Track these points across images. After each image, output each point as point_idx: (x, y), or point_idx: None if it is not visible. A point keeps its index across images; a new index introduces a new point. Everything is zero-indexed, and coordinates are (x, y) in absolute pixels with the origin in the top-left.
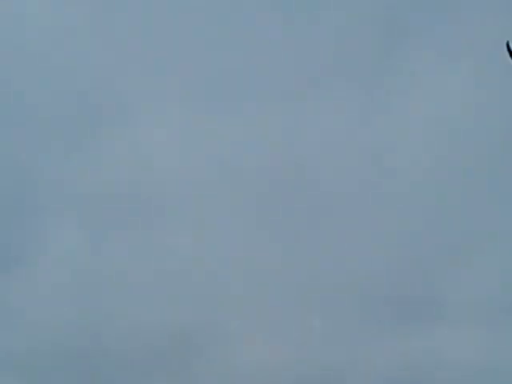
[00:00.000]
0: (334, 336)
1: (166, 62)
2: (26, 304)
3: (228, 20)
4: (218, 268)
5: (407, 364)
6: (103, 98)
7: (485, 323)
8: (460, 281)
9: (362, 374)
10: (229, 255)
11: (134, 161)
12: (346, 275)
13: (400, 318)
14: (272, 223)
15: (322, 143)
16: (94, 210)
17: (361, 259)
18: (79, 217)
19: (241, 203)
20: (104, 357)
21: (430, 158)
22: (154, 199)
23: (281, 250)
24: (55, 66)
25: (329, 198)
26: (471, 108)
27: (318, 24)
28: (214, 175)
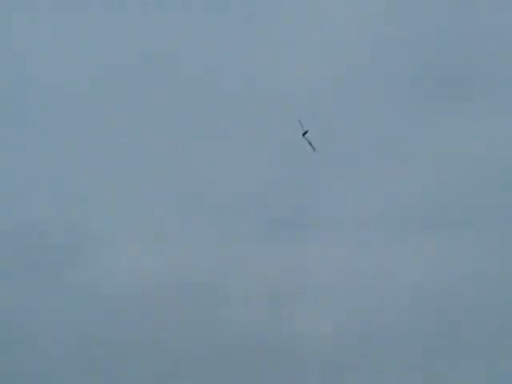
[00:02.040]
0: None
1: None
2: None
3: None
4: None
5: (277, 280)
6: None
7: (352, 244)
8: (331, 203)
9: (234, 284)
10: None
11: None
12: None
13: (273, 236)
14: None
15: None
16: None
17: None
18: None
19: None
20: None
21: None
22: None
23: None
24: None
25: None
26: None
27: None
28: None
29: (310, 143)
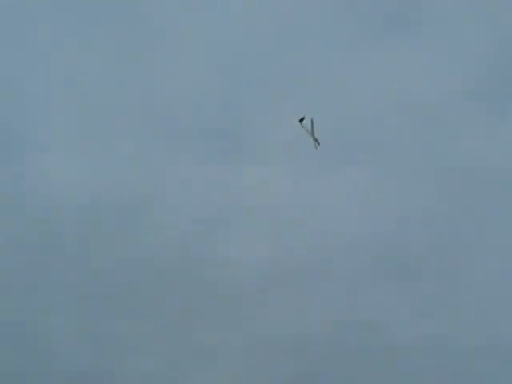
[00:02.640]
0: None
1: None
2: None
3: None
4: None
5: (213, 203)
6: None
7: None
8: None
9: (169, 206)
10: None
11: None
12: None
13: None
14: None
15: None
16: None
17: None
18: None
19: None
20: None
21: None
22: None
23: None
24: None
25: None
26: None
27: None
28: None
29: (314, 139)
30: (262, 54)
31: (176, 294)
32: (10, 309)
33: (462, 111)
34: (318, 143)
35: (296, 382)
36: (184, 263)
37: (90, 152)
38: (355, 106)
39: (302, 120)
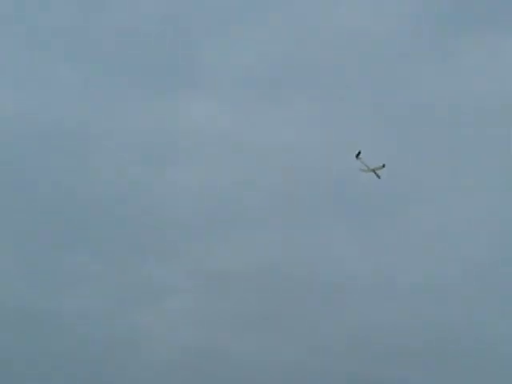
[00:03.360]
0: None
1: None
2: None
3: None
4: None
5: (151, 139)
6: None
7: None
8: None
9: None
10: None
11: None
12: None
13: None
14: None
15: None
16: None
17: None
18: None
19: None
20: None
21: None
22: None
23: None
24: None
25: None
26: None
27: None
28: None
29: (375, 173)
30: None
31: (125, 231)
32: None
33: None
34: (379, 177)
35: (244, 315)
36: (133, 199)
37: (38, 85)
38: (304, 40)
39: (358, 155)
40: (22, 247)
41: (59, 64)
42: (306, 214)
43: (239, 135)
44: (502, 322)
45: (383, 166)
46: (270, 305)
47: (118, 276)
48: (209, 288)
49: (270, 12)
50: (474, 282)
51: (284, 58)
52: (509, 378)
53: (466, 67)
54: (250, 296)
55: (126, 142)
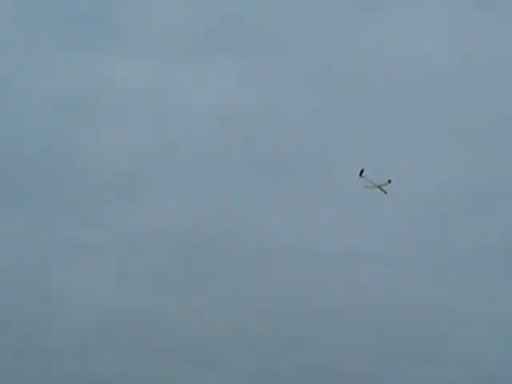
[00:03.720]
0: None
1: None
2: None
3: None
4: None
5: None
6: None
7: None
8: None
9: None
10: None
11: None
12: None
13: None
14: None
15: None
16: None
17: None
18: None
19: None
20: None
21: None
22: None
23: None
24: None
25: None
26: None
27: None
28: None
29: (381, 189)
30: None
31: (44, 188)
32: None
33: None
34: (385, 192)
35: (168, 277)
36: (51, 152)
37: None
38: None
39: (361, 173)
40: None
41: None
42: (227, 176)
43: (163, 95)
44: None
45: (389, 181)
46: (193, 266)
47: (41, 236)
48: (133, 249)
49: None
50: (399, 243)
51: (208, 20)
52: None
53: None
54: (174, 258)
55: (48, 90)
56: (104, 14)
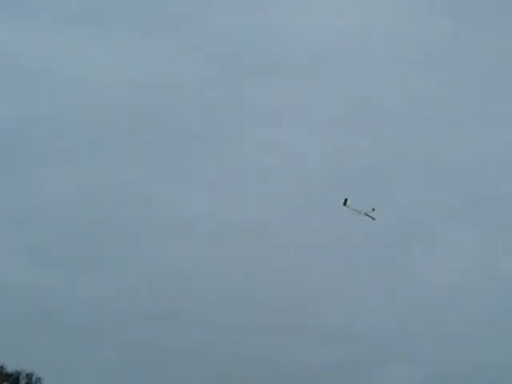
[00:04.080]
0: None
1: None
2: None
3: None
4: None
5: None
6: None
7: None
8: None
9: None
10: None
11: None
12: None
13: None
14: None
15: None
16: None
17: None
18: None
19: None
20: None
21: None
22: None
23: None
24: None
25: None
26: None
27: None
28: None
29: (368, 215)
30: None
31: None
32: None
33: None
34: (373, 218)
35: (71, 256)
36: None
37: None
38: None
39: (345, 202)
40: None
41: None
42: (105, 148)
43: (60, 69)
44: None
45: (373, 209)
46: (91, 244)
47: None
48: (20, 223)
49: None
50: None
51: None
52: None
53: None
54: (70, 235)
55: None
56: None
